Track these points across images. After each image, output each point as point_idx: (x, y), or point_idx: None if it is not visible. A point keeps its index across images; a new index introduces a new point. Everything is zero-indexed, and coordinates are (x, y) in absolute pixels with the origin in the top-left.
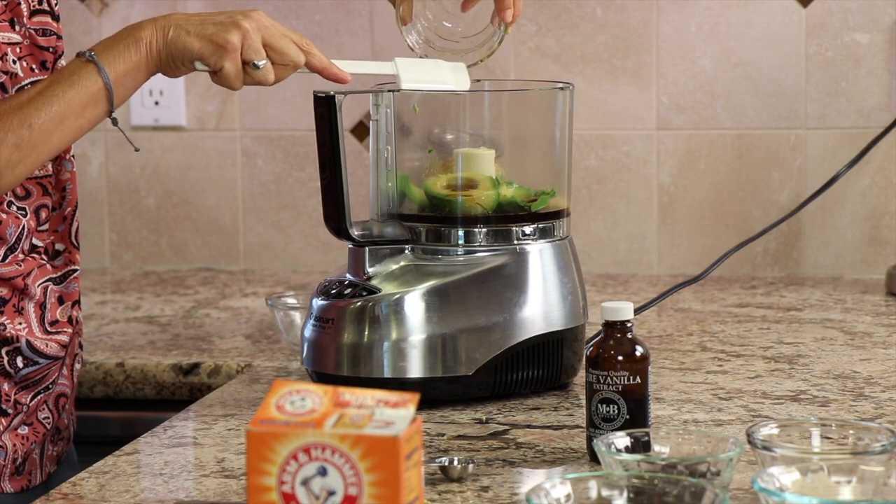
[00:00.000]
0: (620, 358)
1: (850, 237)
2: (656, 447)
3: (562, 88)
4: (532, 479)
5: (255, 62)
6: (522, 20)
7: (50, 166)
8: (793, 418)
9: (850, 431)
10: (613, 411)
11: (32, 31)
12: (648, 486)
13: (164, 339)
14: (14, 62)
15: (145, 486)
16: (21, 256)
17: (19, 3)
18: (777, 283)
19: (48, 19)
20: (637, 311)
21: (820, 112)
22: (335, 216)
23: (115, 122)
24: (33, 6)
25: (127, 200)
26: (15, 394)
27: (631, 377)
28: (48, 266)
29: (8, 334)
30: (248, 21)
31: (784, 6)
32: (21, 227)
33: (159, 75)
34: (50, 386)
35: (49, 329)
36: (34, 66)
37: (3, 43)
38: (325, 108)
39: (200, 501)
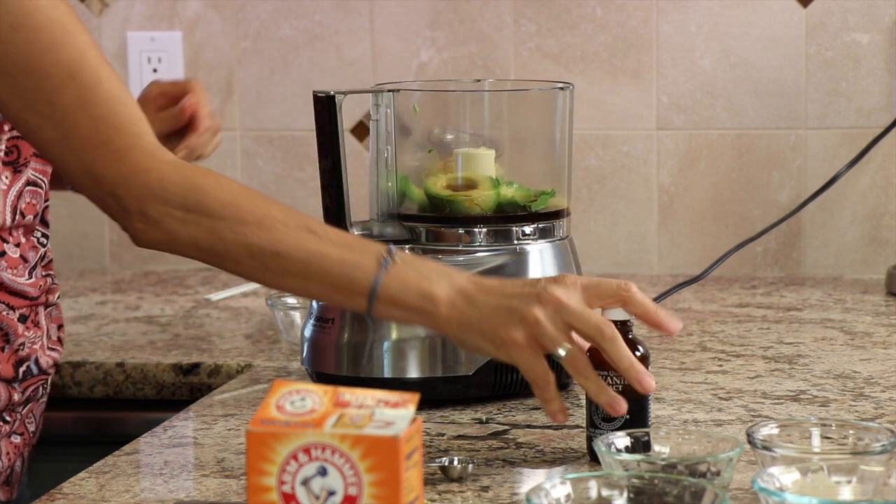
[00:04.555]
0: None
1: (850, 237)
2: (656, 447)
3: (562, 88)
4: (532, 479)
5: (557, 351)
6: (522, 20)
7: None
8: (793, 418)
9: (850, 431)
10: None
11: None
12: (648, 486)
13: (164, 339)
14: None
15: (145, 486)
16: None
17: None
18: (777, 283)
19: None
20: None
21: (820, 112)
22: (335, 216)
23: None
24: None
25: None
26: (13, 401)
27: None
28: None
29: (27, 352)
30: (542, 307)
31: (784, 6)
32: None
33: (157, 75)
34: (41, 397)
35: (49, 346)
36: None
37: None
38: (325, 108)
39: (200, 501)
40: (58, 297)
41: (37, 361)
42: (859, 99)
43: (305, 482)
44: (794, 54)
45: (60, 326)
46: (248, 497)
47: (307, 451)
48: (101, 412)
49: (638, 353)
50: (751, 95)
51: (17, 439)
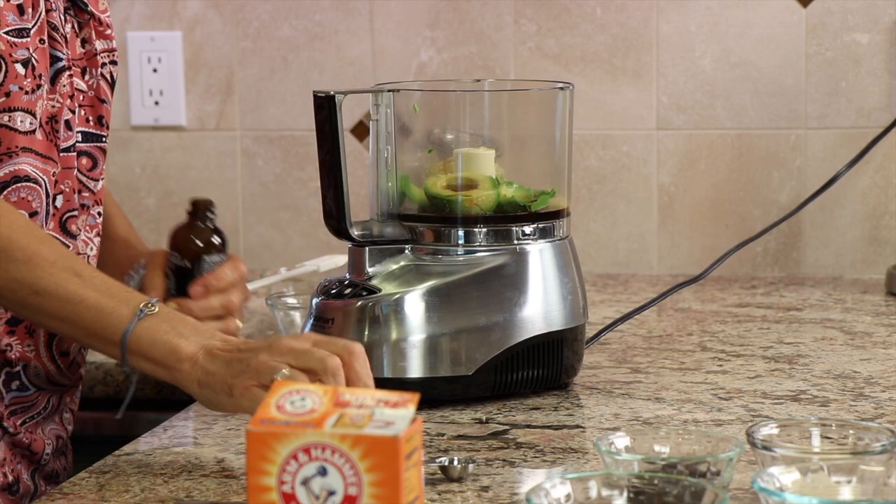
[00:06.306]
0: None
1: (850, 237)
2: (656, 447)
3: (562, 88)
4: (532, 479)
5: (276, 376)
6: (522, 20)
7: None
8: (793, 418)
9: (850, 431)
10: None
11: (100, 84)
12: (648, 486)
13: None
14: (76, 109)
15: (145, 486)
16: None
17: (96, 55)
18: (777, 283)
19: (105, 86)
20: (637, 311)
21: (820, 112)
22: (335, 216)
23: (127, 375)
24: (102, 61)
25: (127, 200)
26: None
27: (181, 257)
28: None
29: (14, 356)
30: (270, 353)
31: (784, 6)
32: None
33: (157, 75)
34: (38, 416)
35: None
36: (91, 118)
37: (76, 89)
38: (325, 107)
39: (200, 501)
40: None
41: (26, 370)
42: (859, 99)
43: (305, 482)
44: (794, 54)
45: (81, 348)
46: (248, 497)
47: (307, 450)
48: (101, 412)
49: (217, 241)
50: (751, 95)
51: (19, 451)
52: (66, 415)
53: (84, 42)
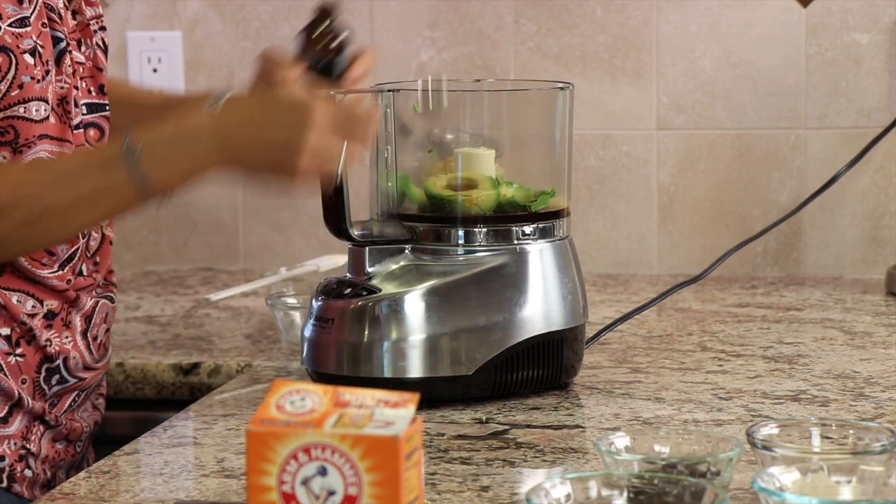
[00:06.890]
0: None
1: (850, 237)
2: (656, 447)
3: (562, 88)
4: (532, 479)
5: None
6: (522, 20)
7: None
8: (793, 418)
9: (850, 431)
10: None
11: (96, 53)
12: (648, 486)
13: (164, 338)
14: (79, 83)
15: (145, 486)
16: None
17: (88, 25)
18: (777, 283)
19: (101, 54)
20: (637, 311)
21: (820, 112)
22: (335, 216)
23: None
24: (94, 29)
25: None
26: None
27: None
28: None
29: (55, 350)
30: (313, 131)
31: (784, 6)
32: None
33: (157, 75)
34: (76, 406)
35: (88, 350)
36: (92, 89)
37: (76, 63)
38: None
39: (200, 501)
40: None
41: (66, 363)
42: (859, 99)
43: (305, 482)
44: (794, 54)
45: (107, 331)
46: (248, 497)
47: (307, 450)
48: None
49: (346, 37)
50: (751, 95)
51: (60, 445)
52: (99, 400)
53: (75, 13)
